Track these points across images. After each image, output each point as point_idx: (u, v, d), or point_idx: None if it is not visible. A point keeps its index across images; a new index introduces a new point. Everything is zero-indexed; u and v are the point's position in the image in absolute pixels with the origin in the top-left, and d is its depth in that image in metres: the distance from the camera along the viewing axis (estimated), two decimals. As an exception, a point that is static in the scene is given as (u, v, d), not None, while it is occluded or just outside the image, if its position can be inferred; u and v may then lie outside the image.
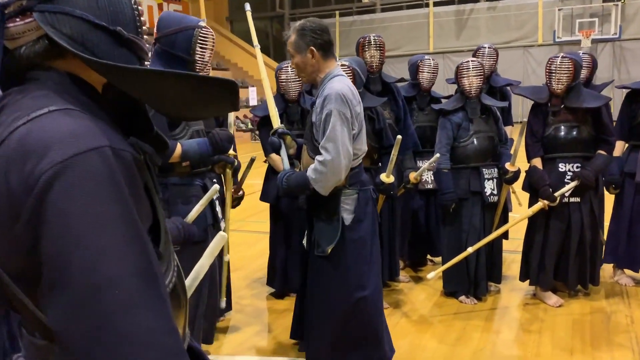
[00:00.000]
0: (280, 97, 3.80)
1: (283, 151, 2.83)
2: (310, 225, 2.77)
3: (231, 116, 3.06)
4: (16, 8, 0.85)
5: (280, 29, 22.71)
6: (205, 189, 2.68)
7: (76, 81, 0.90)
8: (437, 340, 3.29)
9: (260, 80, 3.10)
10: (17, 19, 0.86)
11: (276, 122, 2.93)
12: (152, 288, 0.78)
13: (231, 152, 2.92)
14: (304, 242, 2.85)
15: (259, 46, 3.16)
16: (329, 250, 2.65)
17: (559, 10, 17.49)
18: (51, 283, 0.75)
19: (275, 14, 22.43)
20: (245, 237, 5.76)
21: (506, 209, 4.04)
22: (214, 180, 2.88)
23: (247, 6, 3.16)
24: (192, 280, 1.51)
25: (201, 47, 2.56)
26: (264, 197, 3.95)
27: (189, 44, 2.53)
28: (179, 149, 2.56)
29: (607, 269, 4.18)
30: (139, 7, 0.98)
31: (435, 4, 20.03)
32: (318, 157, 2.53)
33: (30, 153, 0.77)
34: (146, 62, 1.02)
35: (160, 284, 0.81)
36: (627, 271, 4.09)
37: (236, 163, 3.10)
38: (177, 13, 2.78)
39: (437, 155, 3.67)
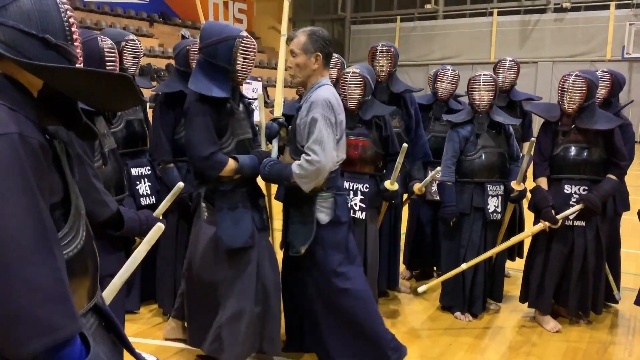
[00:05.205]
0: None
1: (276, 140, 2.89)
2: (285, 228, 2.85)
3: (263, 120, 3.01)
4: None
5: (342, 31, 22.83)
6: (250, 196, 2.79)
7: (11, 80, 1.10)
8: (419, 354, 3.26)
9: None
10: None
11: (278, 112, 2.97)
12: (45, 246, 1.02)
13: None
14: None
15: (285, 36, 3.09)
16: (303, 250, 2.74)
17: (630, 25, 16.71)
18: None
19: (337, 16, 22.56)
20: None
21: (512, 228, 3.94)
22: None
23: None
24: (130, 264, 1.69)
25: (243, 57, 2.63)
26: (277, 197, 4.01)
27: (230, 54, 2.61)
28: (232, 163, 2.66)
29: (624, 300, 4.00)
30: (71, 20, 1.17)
31: (500, 13, 19.59)
32: (305, 157, 2.62)
33: None
34: (77, 65, 1.20)
35: (53, 244, 1.04)
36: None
37: None
38: (219, 23, 2.82)
39: (438, 168, 3.65)
